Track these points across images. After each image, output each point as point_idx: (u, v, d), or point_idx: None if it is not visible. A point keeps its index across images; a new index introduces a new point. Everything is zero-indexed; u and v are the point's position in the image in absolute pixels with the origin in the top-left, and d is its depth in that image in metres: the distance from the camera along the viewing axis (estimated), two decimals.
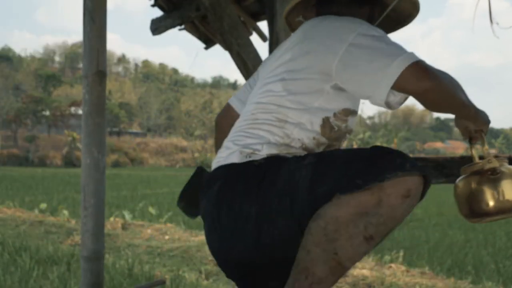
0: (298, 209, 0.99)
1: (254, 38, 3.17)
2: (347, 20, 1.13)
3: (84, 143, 2.02)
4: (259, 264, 1.14)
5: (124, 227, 6.03)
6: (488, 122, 1.19)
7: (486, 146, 1.17)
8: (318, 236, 0.95)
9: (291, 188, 1.00)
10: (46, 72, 69.53)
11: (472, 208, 1.15)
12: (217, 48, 3.33)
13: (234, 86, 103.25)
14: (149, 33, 3.16)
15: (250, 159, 1.09)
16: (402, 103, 1.10)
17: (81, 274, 2.04)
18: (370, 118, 79.58)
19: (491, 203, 1.11)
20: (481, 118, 1.17)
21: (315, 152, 1.14)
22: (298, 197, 0.99)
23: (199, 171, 1.71)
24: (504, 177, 1.11)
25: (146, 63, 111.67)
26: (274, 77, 1.19)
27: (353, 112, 1.18)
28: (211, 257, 3.80)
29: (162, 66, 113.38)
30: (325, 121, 1.13)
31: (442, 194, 13.75)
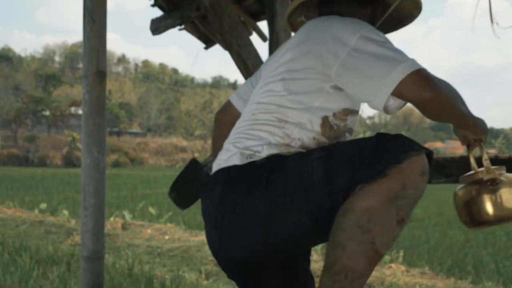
0: (314, 204, 0.99)
1: (254, 38, 3.17)
2: (349, 21, 1.13)
3: (84, 143, 2.02)
4: (262, 263, 1.14)
5: (124, 227, 6.03)
6: (487, 130, 1.20)
7: (486, 156, 1.18)
8: (352, 229, 0.95)
9: (304, 183, 1.00)
10: (46, 72, 69.57)
11: (472, 217, 1.17)
12: (217, 48, 3.33)
13: (234, 86, 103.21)
14: (149, 33, 3.16)
15: (251, 160, 1.08)
16: (400, 108, 1.09)
17: (81, 274, 2.04)
18: (370, 118, 79.61)
19: (491, 213, 1.13)
20: (479, 127, 1.18)
21: None
22: (313, 192, 0.99)
23: (193, 163, 1.72)
24: (503, 186, 1.13)
25: (146, 63, 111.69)
26: (274, 77, 1.18)
27: (353, 112, 1.18)
28: (211, 257, 3.80)
29: (162, 66, 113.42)
30: (325, 121, 1.13)
31: (442, 194, 13.74)
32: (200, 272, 3.58)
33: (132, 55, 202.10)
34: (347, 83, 1.08)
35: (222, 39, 2.59)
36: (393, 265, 3.88)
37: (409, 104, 1.09)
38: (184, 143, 60.16)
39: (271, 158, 1.08)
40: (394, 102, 1.06)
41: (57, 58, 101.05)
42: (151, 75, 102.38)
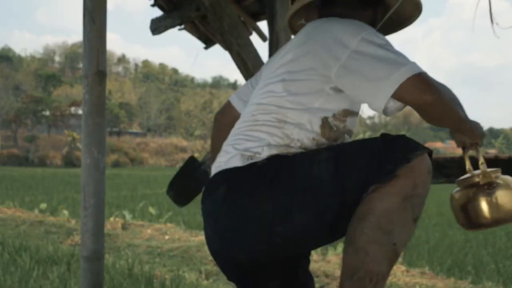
0: (323, 205, 1.00)
1: (254, 38, 3.18)
2: (350, 23, 1.13)
3: (84, 143, 2.02)
4: (263, 264, 1.14)
5: (124, 227, 6.03)
6: (484, 134, 1.21)
7: (482, 159, 1.19)
8: (374, 232, 0.96)
9: (313, 184, 1.00)
10: (46, 72, 69.56)
11: (470, 220, 1.18)
12: (217, 48, 3.33)
13: (234, 86, 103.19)
14: (149, 33, 3.17)
15: (252, 161, 1.08)
16: (400, 110, 1.09)
17: (81, 274, 2.04)
18: (370, 118, 79.60)
19: (489, 216, 1.15)
20: (476, 131, 1.19)
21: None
22: (322, 192, 1.00)
23: (191, 161, 1.73)
24: (500, 189, 1.14)
25: (146, 63, 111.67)
26: (275, 77, 1.18)
27: (352, 113, 1.17)
28: (211, 257, 3.79)
29: (162, 66, 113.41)
30: (324, 121, 1.13)
31: (442, 194, 13.73)
32: (200, 272, 3.58)
33: (132, 55, 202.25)
34: (347, 85, 1.08)
35: (222, 39, 2.59)
36: None
37: None
38: (184, 143, 60.16)
39: (272, 159, 1.07)
40: (394, 104, 1.06)
41: (57, 58, 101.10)
42: (151, 75, 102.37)
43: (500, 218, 1.14)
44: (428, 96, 0.99)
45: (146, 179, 20.55)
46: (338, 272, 3.51)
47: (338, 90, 1.12)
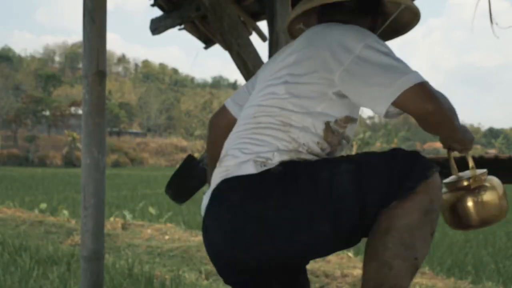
0: (342, 217, 1.01)
1: (254, 38, 3.17)
2: (354, 29, 1.14)
3: (84, 143, 2.02)
4: (271, 267, 1.15)
5: (124, 227, 6.03)
6: (473, 140, 1.24)
7: (472, 164, 1.22)
8: (397, 247, 0.99)
9: (333, 195, 1.01)
10: (46, 72, 69.57)
11: (460, 221, 1.22)
12: (217, 48, 3.33)
13: (234, 86, 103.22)
14: (149, 33, 3.16)
15: (266, 168, 1.07)
16: (401, 114, 1.11)
17: (81, 274, 2.04)
18: (370, 118, 79.61)
19: (478, 217, 1.19)
20: (467, 139, 1.21)
21: (324, 157, 1.15)
22: (342, 205, 1.01)
23: (189, 159, 1.73)
24: (488, 191, 1.19)
25: (146, 63, 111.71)
26: (276, 79, 1.18)
27: (352, 120, 1.18)
28: None
29: (162, 66, 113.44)
30: (327, 126, 1.13)
31: None
32: (200, 272, 3.58)
33: (132, 55, 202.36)
34: (350, 89, 1.09)
35: (222, 39, 2.59)
36: None
37: None
38: (184, 143, 60.17)
39: (287, 165, 1.07)
40: (395, 109, 1.07)
41: (57, 58, 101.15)
42: (151, 75, 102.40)
43: (488, 219, 1.19)
44: (429, 105, 1.01)
45: (146, 179, 20.55)
46: (338, 272, 3.52)
47: (340, 96, 1.12)
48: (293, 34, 1.41)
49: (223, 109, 1.44)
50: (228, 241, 1.09)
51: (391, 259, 0.99)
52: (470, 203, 1.19)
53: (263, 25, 3.20)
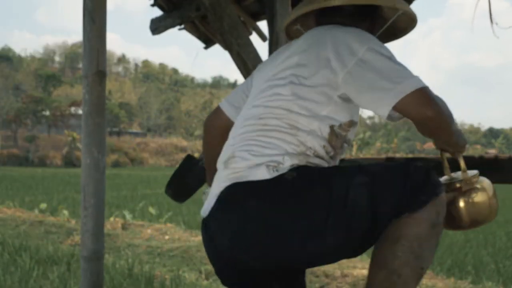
0: (357, 227, 1.03)
1: (254, 38, 3.17)
2: (356, 32, 1.16)
3: (84, 143, 2.02)
4: (277, 270, 1.16)
5: (124, 227, 6.03)
6: (466, 144, 1.26)
7: (464, 167, 1.25)
8: (406, 256, 1.02)
9: (349, 206, 1.03)
10: (46, 72, 69.52)
11: (451, 222, 1.24)
12: (217, 48, 3.33)
13: (234, 86, 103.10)
14: (149, 33, 3.16)
15: (278, 173, 1.07)
16: (402, 117, 1.14)
17: (81, 274, 2.04)
18: (370, 118, 79.57)
19: (469, 219, 1.22)
20: (460, 143, 1.23)
21: (328, 159, 1.16)
22: (356, 214, 1.03)
23: (188, 158, 1.74)
24: (479, 193, 1.22)
25: (146, 63, 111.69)
26: (281, 80, 1.17)
27: (355, 124, 1.20)
28: None
29: (162, 66, 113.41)
30: (332, 129, 1.15)
31: None
32: (200, 272, 3.58)
33: (132, 55, 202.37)
34: (353, 91, 1.11)
35: (222, 39, 2.59)
36: None
37: None
38: (184, 143, 60.16)
39: (301, 172, 1.07)
40: (395, 112, 1.09)
41: (57, 58, 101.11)
42: (151, 75, 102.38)
43: (479, 220, 1.22)
44: (429, 111, 1.03)
45: (146, 179, 20.55)
46: (338, 272, 3.52)
47: (345, 99, 1.13)
48: (290, 35, 1.42)
49: (218, 111, 1.43)
50: (237, 245, 1.08)
51: (400, 268, 1.02)
52: (462, 205, 1.21)
53: (263, 25, 3.20)
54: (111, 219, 6.46)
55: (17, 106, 53.68)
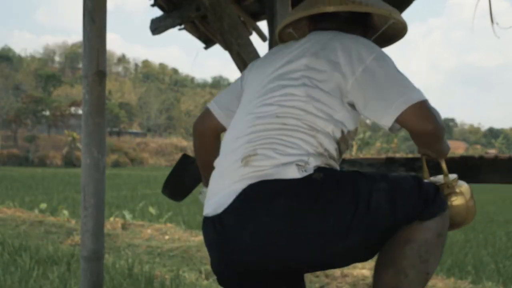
0: (375, 230, 1.08)
1: (254, 38, 3.17)
2: (363, 40, 1.20)
3: (84, 143, 2.02)
4: (288, 272, 1.18)
5: (124, 227, 6.03)
6: (449, 151, 1.33)
7: (446, 171, 1.30)
8: (414, 258, 1.09)
9: (372, 209, 1.07)
10: (46, 72, 69.54)
11: None
12: (217, 48, 3.33)
13: None
14: (149, 33, 3.16)
15: (306, 173, 1.07)
16: (401, 129, 1.16)
17: (81, 274, 2.04)
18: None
19: (453, 221, 1.26)
20: (445, 150, 1.30)
21: (336, 162, 1.18)
22: (378, 219, 1.07)
23: (184, 157, 1.74)
24: (459, 197, 1.28)
25: (146, 63, 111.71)
26: (293, 80, 1.18)
27: (357, 132, 1.24)
28: None
29: (162, 66, 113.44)
30: (342, 134, 1.17)
31: None
32: (200, 272, 3.58)
33: (132, 55, 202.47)
34: (359, 99, 1.14)
35: (222, 39, 2.58)
36: None
37: None
38: (184, 143, 60.13)
39: (328, 174, 1.09)
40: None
41: (57, 58, 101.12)
42: (151, 75, 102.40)
43: (458, 223, 1.28)
44: (429, 126, 1.09)
45: (146, 179, 20.56)
46: (338, 272, 3.52)
47: (353, 106, 1.17)
48: (282, 38, 1.44)
49: (208, 114, 1.41)
50: (260, 242, 1.07)
51: (407, 268, 1.08)
52: (458, 203, 1.26)
53: (263, 25, 3.20)
54: (111, 219, 6.46)
55: (17, 106, 53.68)
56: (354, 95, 1.14)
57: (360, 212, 1.05)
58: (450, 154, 1.39)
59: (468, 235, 6.53)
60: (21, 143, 50.28)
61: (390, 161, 1.92)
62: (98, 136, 2.01)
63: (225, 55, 2.65)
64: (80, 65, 3.01)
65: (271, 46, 2.56)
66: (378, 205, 1.07)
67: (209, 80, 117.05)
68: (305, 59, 1.19)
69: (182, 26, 3.16)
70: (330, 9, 1.24)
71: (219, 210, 1.12)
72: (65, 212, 7.02)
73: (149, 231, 5.71)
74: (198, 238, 5.12)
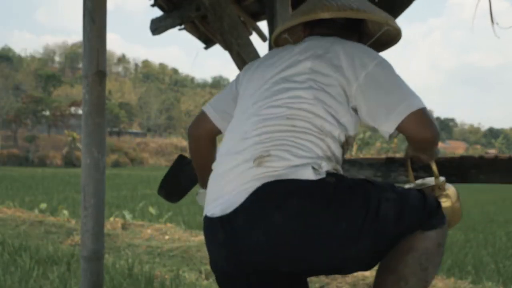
0: (383, 237, 1.10)
1: (254, 38, 3.17)
2: (363, 46, 1.23)
3: (84, 143, 2.02)
4: (297, 274, 1.18)
5: (124, 227, 6.03)
6: (438, 153, 1.38)
7: (437, 173, 1.34)
8: (415, 266, 1.12)
9: (381, 217, 1.09)
10: (46, 72, 69.53)
11: None
12: (217, 48, 3.33)
13: None
14: (149, 33, 3.16)
15: (320, 176, 1.08)
16: (398, 135, 1.17)
17: (81, 274, 2.04)
18: None
19: None
20: (435, 154, 1.34)
21: (342, 171, 1.20)
22: (385, 227, 1.10)
23: (180, 158, 1.74)
24: (449, 198, 1.34)
25: (146, 63, 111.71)
26: (299, 83, 1.18)
27: (356, 137, 1.26)
28: None
29: (162, 66, 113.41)
30: (346, 139, 1.19)
31: None
32: (200, 272, 3.58)
33: (132, 55, 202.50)
34: (362, 104, 1.16)
35: (222, 39, 2.58)
36: None
37: None
38: (184, 143, 60.10)
39: (340, 178, 1.11)
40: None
41: (57, 58, 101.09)
42: (151, 75, 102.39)
43: (451, 222, 1.32)
44: (428, 133, 1.13)
45: (146, 179, 20.55)
46: None
47: (356, 112, 1.18)
48: (277, 43, 1.45)
49: (203, 118, 1.40)
50: (273, 241, 1.06)
51: (408, 276, 1.11)
52: (444, 205, 1.27)
53: (263, 25, 3.20)
54: (111, 219, 6.46)
55: (17, 106, 53.65)
56: (357, 99, 1.16)
57: (370, 217, 1.07)
58: (450, 154, 1.40)
59: (468, 235, 6.53)
60: (21, 143, 50.27)
61: (390, 161, 1.92)
62: (98, 136, 2.01)
63: (225, 55, 2.65)
64: (80, 65, 3.01)
65: (271, 46, 2.56)
66: (387, 213, 1.09)
67: (209, 80, 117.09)
68: (309, 62, 1.20)
69: (182, 26, 3.16)
70: (328, 15, 1.26)
71: (228, 210, 1.11)
72: (65, 212, 7.02)
73: (149, 231, 5.71)
74: (198, 238, 5.12)
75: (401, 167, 1.84)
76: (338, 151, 1.16)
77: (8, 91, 56.82)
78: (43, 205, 7.97)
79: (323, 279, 3.42)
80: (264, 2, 2.62)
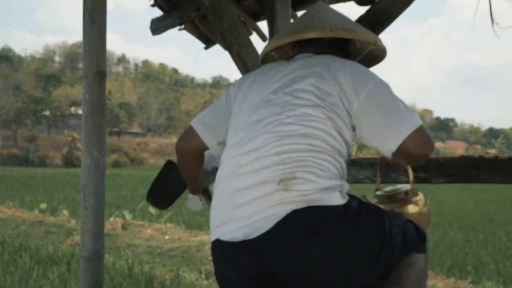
0: (394, 260, 1.17)
1: (254, 38, 3.17)
2: (360, 66, 1.25)
3: (84, 143, 2.02)
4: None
5: (124, 227, 6.03)
6: None
7: (412, 178, 1.41)
8: (412, 283, 1.18)
9: (391, 243, 1.16)
10: (46, 72, 69.58)
11: None
12: (217, 48, 3.33)
13: None
14: (149, 33, 3.16)
15: (346, 199, 1.12)
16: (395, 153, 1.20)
17: (81, 274, 2.04)
18: None
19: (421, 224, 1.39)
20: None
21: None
22: (394, 253, 1.17)
23: (168, 164, 1.72)
24: (414, 206, 1.40)
25: (146, 63, 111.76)
26: (306, 101, 1.17)
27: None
28: (211, 257, 3.79)
29: (162, 66, 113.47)
30: (348, 157, 1.22)
31: (442, 194, 13.74)
32: (200, 272, 3.58)
33: (132, 55, 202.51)
34: (361, 125, 1.17)
35: (222, 39, 2.58)
36: None
37: (408, 104, 1.19)
38: None
39: (360, 202, 1.17)
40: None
41: (57, 58, 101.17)
42: (151, 75, 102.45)
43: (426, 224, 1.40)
44: (428, 149, 1.15)
45: (146, 179, 20.52)
46: None
47: (354, 130, 1.21)
48: (264, 61, 1.46)
49: (191, 134, 1.38)
50: (302, 269, 1.07)
51: None
52: (412, 211, 1.37)
53: (263, 25, 3.20)
54: (111, 219, 6.46)
55: (17, 106, 53.67)
56: (358, 118, 1.17)
57: (385, 245, 1.13)
58: (450, 154, 1.42)
59: (468, 235, 6.53)
60: (21, 143, 50.28)
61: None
62: (98, 136, 2.01)
63: (225, 55, 2.65)
64: (80, 65, 3.01)
65: None
66: (396, 238, 1.16)
67: (209, 80, 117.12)
68: (312, 79, 1.20)
69: (182, 26, 3.16)
70: (323, 34, 1.27)
71: (253, 235, 1.08)
72: (65, 212, 7.02)
73: (149, 231, 5.71)
74: (198, 238, 5.12)
75: (401, 167, 1.84)
76: (346, 170, 1.20)
77: (8, 91, 56.83)
78: (43, 205, 7.97)
79: None
80: (264, 2, 2.62)
